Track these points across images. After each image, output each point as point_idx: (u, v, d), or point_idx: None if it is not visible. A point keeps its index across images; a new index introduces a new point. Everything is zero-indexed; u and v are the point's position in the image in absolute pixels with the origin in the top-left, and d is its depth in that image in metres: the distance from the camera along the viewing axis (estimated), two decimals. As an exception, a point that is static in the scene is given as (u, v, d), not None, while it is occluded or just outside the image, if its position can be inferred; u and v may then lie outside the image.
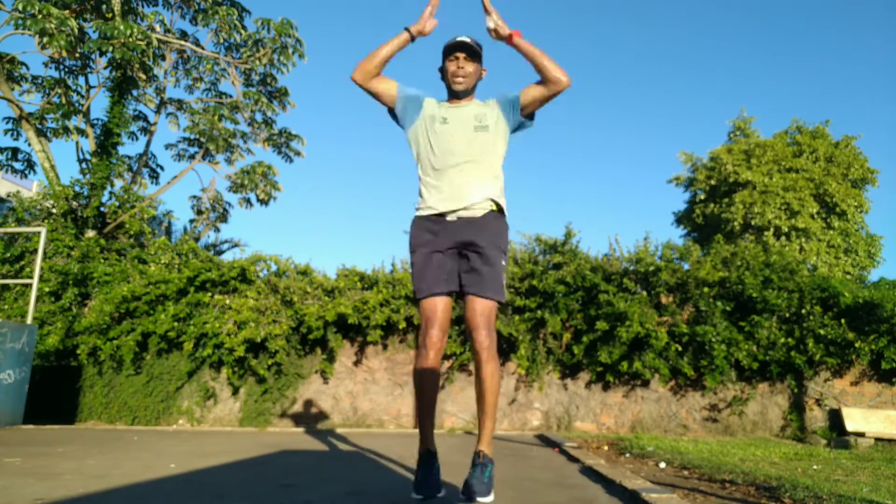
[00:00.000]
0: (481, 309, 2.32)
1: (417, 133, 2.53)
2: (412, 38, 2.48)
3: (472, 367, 7.29)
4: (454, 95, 2.54)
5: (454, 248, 2.40)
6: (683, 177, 20.93)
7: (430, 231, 2.42)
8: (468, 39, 2.48)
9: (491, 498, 2.18)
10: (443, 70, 2.55)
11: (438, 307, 2.36)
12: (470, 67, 2.49)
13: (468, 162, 2.42)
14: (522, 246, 7.92)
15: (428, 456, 2.34)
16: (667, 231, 28.63)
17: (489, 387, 2.31)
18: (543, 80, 2.42)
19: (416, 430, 6.60)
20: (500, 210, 2.46)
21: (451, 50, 2.50)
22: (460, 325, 7.20)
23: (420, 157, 2.52)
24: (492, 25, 2.46)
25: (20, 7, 9.00)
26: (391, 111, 2.55)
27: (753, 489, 2.90)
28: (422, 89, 2.58)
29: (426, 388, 2.36)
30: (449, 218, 2.40)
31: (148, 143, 12.80)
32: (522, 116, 2.50)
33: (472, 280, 2.36)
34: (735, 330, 6.90)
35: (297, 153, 13.61)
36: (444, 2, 2.63)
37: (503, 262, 2.43)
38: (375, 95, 2.50)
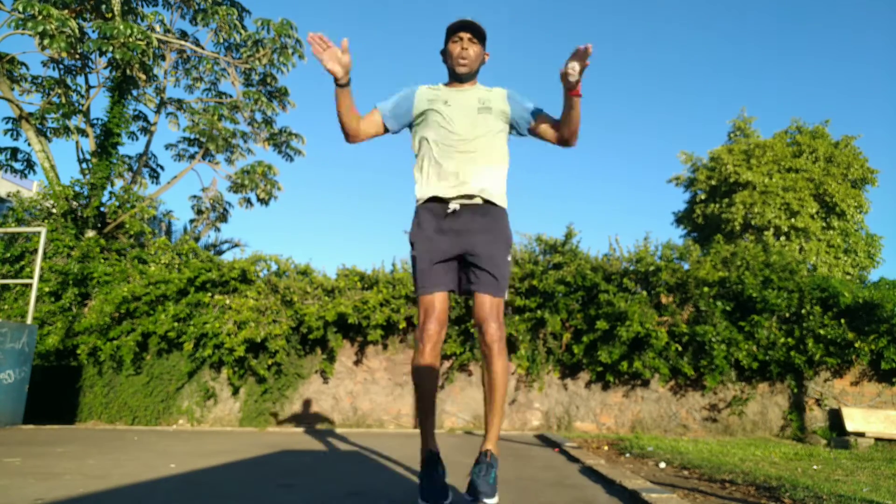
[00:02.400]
0: (490, 303, 2.28)
1: (419, 124, 2.46)
2: (347, 84, 2.29)
3: (472, 367, 7.31)
4: (456, 79, 2.46)
5: (457, 249, 2.32)
6: (683, 177, 20.95)
7: (433, 227, 2.34)
8: (472, 20, 2.38)
9: (496, 500, 2.11)
10: (445, 52, 2.46)
11: (437, 301, 2.30)
12: (474, 49, 2.41)
13: (472, 144, 2.35)
14: (523, 246, 7.92)
15: (431, 459, 2.22)
16: (667, 231, 28.68)
17: (500, 383, 2.26)
18: (560, 132, 2.38)
19: (416, 430, 6.57)
20: (500, 202, 2.40)
21: (454, 30, 2.40)
22: (460, 325, 7.20)
23: (422, 143, 2.43)
24: (575, 71, 2.14)
25: (20, 8, 9.00)
26: (392, 132, 2.52)
27: (753, 489, 2.90)
28: (408, 86, 2.51)
29: (425, 383, 2.28)
30: (451, 206, 2.32)
31: (148, 143, 12.80)
32: (523, 130, 2.48)
33: (479, 280, 2.30)
34: (735, 330, 6.90)
35: (298, 152, 13.61)
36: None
37: (508, 258, 2.38)
38: (373, 137, 2.48)
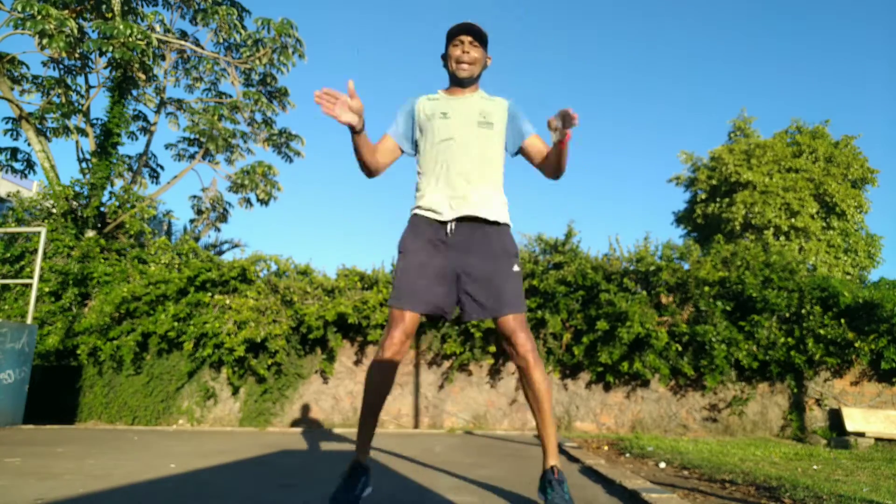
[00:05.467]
0: (514, 318, 2.20)
1: (419, 138, 2.42)
2: (360, 129, 2.17)
3: (472, 367, 7.31)
4: (457, 83, 2.39)
5: (453, 268, 2.23)
6: (684, 176, 20.96)
7: (428, 239, 2.26)
8: (474, 23, 2.32)
9: None
10: (445, 56, 2.40)
11: (407, 316, 2.19)
12: (475, 53, 2.35)
13: (470, 160, 2.29)
14: (523, 246, 7.92)
15: (358, 469, 2.14)
16: (667, 231, 28.69)
17: (544, 392, 2.19)
18: (545, 168, 2.33)
19: (416, 430, 6.58)
20: (502, 219, 2.32)
21: (455, 33, 2.34)
22: (460, 325, 7.20)
23: (422, 155, 2.39)
24: (560, 125, 2.10)
25: (19, 8, 9.00)
26: (406, 153, 2.47)
27: (753, 489, 2.90)
28: (407, 100, 2.47)
29: (375, 390, 2.19)
30: (449, 226, 2.25)
31: (148, 143, 12.81)
32: (514, 150, 2.45)
33: (494, 301, 2.20)
34: (735, 330, 6.90)
35: (297, 153, 13.62)
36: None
37: (515, 268, 2.28)
38: (393, 162, 2.43)
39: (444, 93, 2.45)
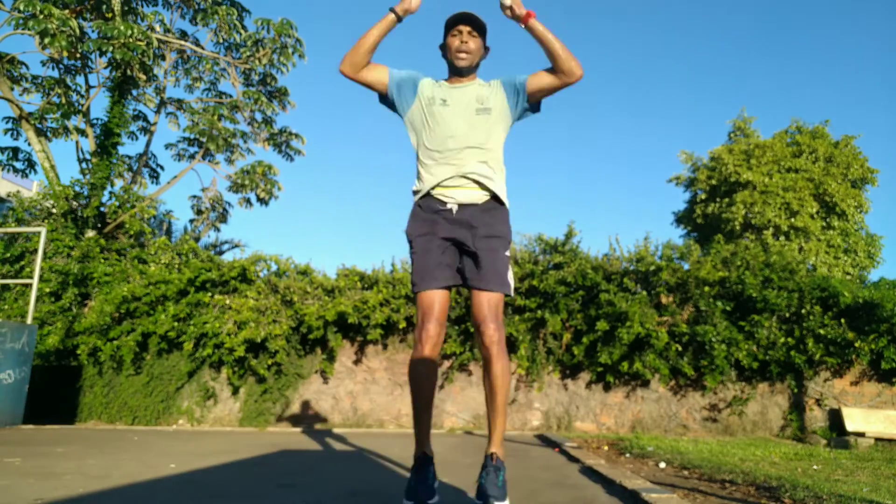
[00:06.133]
0: (488, 301, 2.22)
1: (415, 117, 2.40)
2: (399, 19, 2.30)
3: (472, 367, 7.31)
4: (456, 73, 2.40)
5: (453, 239, 2.28)
6: (684, 176, 20.94)
7: (428, 221, 2.31)
8: (472, 13, 2.34)
9: (507, 503, 2.08)
10: (444, 46, 2.41)
11: (435, 300, 2.23)
12: (474, 43, 2.36)
13: (469, 147, 2.30)
14: (523, 246, 7.92)
15: (423, 460, 2.20)
16: (667, 231, 28.68)
17: (500, 385, 2.21)
18: (555, 70, 2.27)
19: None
20: (500, 201, 2.34)
21: (453, 23, 2.36)
22: (460, 325, 7.20)
23: (418, 142, 2.39)
24: (507, 2, 2.24)
25: (20, 7, 9.00)
26: (382, 97, 2.43)
27: (753, 489, 2.90)
28: (417, 70, 2.46)
29: (422, 384, 2.23)
30: (449, 205, 2.29)
31: (148, 143, 12.80)
32: (528, 104, 2.38)
33: (476, 274, 2.25)
34: (735, 330, 6.90)
35: (298, 152, 13.61)
36: None
37: (506, 253, 2.30)
38: (367, 85, 2.38)
39: (444, 82, 2.46)
